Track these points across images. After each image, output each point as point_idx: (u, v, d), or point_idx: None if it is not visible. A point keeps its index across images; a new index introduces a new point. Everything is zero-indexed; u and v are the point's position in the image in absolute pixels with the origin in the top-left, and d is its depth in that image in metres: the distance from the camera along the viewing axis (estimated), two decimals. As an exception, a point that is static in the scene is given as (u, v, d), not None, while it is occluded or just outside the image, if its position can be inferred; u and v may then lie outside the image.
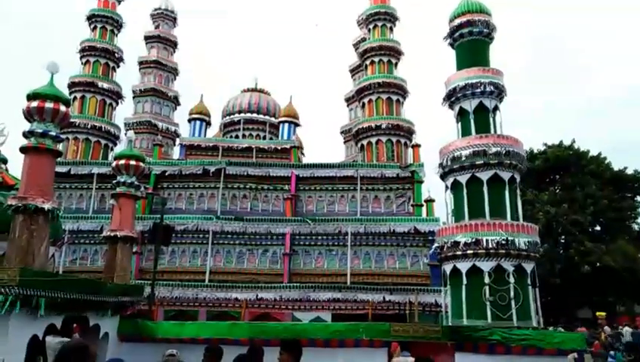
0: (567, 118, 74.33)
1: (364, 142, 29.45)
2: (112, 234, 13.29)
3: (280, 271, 24.34)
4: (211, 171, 26.01)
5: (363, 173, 25.74)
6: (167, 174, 26.36)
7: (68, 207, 25.82)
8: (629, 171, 37.29)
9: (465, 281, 17.02)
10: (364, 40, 33.44)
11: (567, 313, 34.08)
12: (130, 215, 13.76)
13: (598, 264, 32.58)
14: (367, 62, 31.30)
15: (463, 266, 17.14)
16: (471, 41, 19.73)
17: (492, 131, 18.69)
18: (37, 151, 9.93)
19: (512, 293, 16.39)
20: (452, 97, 19.45)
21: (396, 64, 31.15)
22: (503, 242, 16.61)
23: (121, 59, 32.16)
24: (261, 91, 35.25)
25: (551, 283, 31.36)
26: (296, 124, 31.98)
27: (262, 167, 26.36)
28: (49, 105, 9.94)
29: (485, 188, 17.62)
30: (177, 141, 32.71)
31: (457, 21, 19.84)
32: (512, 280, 16.55)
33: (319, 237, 24.76)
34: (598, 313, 28.27)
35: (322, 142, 66.79)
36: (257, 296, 22.98)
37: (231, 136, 32.55)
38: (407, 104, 30.84)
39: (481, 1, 20.15)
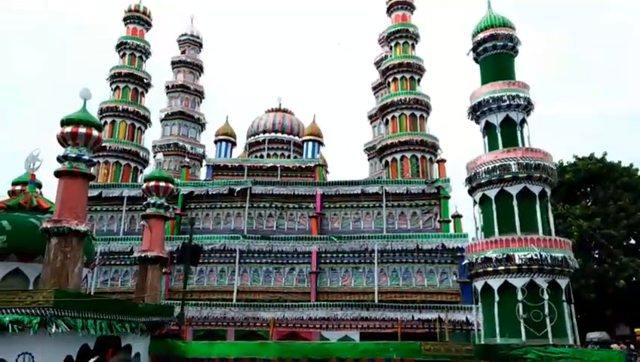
0: (596, 128, 72.92)
1: (389, 158, 29.37)
2: (143, 254, 13.53)
3: (307, 290, 24.24)
4: (237, 191, 26.29)
5: (388, 189, 25.61)
6: (194, 195, 26.75)
7: (99, 229, 26.43)
8: (664, 182, 36.12)
9: (497, 298, 16.60)
10: (385, 58, 33.63)
11: (603, 330, 32.86)
12: (160, 236, 14.00)
13: (634, 279, 31.46)
14: (390, 79, 31.39)
15: (495, 283, 16.75)
16: (495, 55, 19.58)
17: (520, 144, 18.38)
18: (71, 175, 10.24)
19: (546, 310, 15.92)
20: (477, 111, 19.27)
21: (419, 80, 31.14)
22: (536, 257, 16.21)
23: (149, 85, 33.16)
24: (285, 111, 35.65)
25: (585, 298, 30.37)
26: (320, 143, 32.14)
27: (287, 185, 26.51)
28: (82, 130, 10.27)
29: (515, 203, 17.27)
30: (204, 162, 33.22)
31: (481, 36, 19.75)
32: (546, 296, 16.08)
33: (345, 255, 24.62)
34: (636, 329, 27.21)
35: (346, 160, 66.81)
36: (284, 315, 22.92)
37: (256, 156, 32.91)
38: (431, 119, 30.71)
39: (505, 15, 20.05)
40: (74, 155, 10.27)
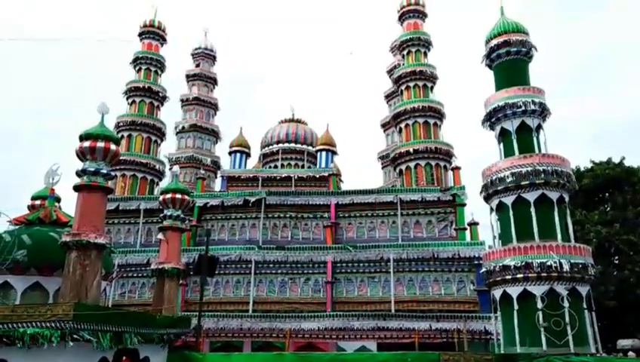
0: (610, 132, 71.75)
1: (403, 166, 29.28)
2: (160, 266, 13.61)
3: (323, 300, 24.14)
4: (252, 201, 26.39)
5: (403, 197, 25.48)
6: (209, 206, 26.91)
7: (116, 242, 26.67)
8: (684, 187, 35.34)
9: (516, 307, 16.36)
10: (398, 66, 33.67)
11: (625, 338, 32.14)
12: (176, 247, 14.09)
13: (656, 285, 30.76)
14: (403, 87, 31.39)
15: (514, 291, 16.51)
16: (509, 61, 19.46)
17: (536, 150, 18.20)
18: (89, 188, 10.37)
19: (567, 318, 15.64)
20: (492, 118, 19.13)
21: (432, 88, 31.10)
22: (555, 265, 15.96)
23: (164, 98, 33.65)
24: (298, 121, 35.83)
25: (605, 306, 29.78)
26: (334, 152, 32.20)
27: (301, 195, 26.54)
28: (100, 144, 10.42)
29: (533, 210, 17.06)
30: (219, 173, 33.45)
31: (494, 42, 19.66)
32: (566, 304, 15.81)
33: (361, 265, 24.49)
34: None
35: (360, 169, 66.50)
36: (301, 325, 22.82)
37: (270, 167, 33.06)
38: (444, 126, 30.58)
39: (518, 21, 19.95)
40: (92, 169, 10.42)
